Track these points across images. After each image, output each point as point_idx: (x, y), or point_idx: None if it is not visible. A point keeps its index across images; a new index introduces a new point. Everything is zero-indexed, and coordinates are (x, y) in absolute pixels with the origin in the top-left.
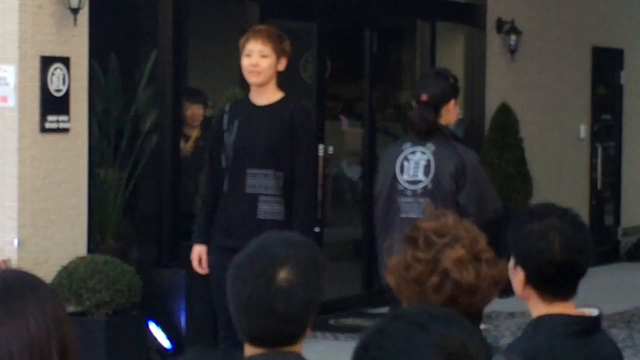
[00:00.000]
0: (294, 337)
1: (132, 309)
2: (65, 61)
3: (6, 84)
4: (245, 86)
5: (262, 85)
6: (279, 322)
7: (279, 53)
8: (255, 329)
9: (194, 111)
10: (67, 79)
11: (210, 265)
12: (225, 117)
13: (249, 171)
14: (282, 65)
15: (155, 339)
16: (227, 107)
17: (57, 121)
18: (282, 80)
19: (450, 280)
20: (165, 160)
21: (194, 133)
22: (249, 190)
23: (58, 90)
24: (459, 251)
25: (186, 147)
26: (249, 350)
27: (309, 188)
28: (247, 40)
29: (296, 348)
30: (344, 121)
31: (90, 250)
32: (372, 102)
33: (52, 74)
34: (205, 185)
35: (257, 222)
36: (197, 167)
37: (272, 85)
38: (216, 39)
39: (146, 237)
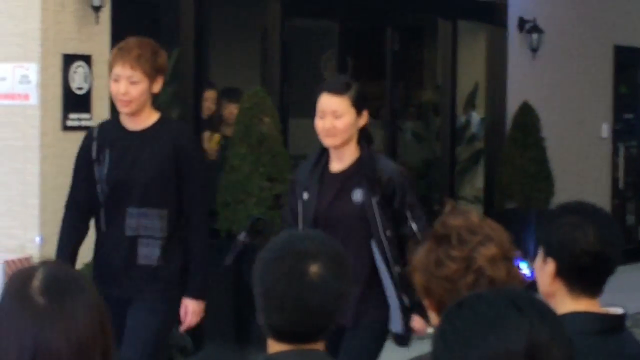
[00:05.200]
0: (324, 331)
1: None
2: (87, 59)
3: (28, 82)
4: (264, 84)
5: (134, 114)
6: (313, 316)
7: (153, 75)
8: (287, 324)
9: (232, 110)
10: (89, 76)
11: None
12: (94, 145)
13: (128, 210)
14: (157, 86)
15: (176, 337)
16: (94, 132)
17: (79, 119)
18: (305, 79)
19: (485, 278)
20: None
21: (228, 131)
22: (128, 232)
23: (80, 88)
24: (492, 249)
25: (211, 144)
26: (275, 346)
27: (204, 226)
28: (115, 60)
29: (320, 345)
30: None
31: None
32: (393, 101)
33: (74, 72)
34: (64, 218)
35: (138, 269)
36: (220, 165)
37: (147, 108)
38: (237, 38)
39: None
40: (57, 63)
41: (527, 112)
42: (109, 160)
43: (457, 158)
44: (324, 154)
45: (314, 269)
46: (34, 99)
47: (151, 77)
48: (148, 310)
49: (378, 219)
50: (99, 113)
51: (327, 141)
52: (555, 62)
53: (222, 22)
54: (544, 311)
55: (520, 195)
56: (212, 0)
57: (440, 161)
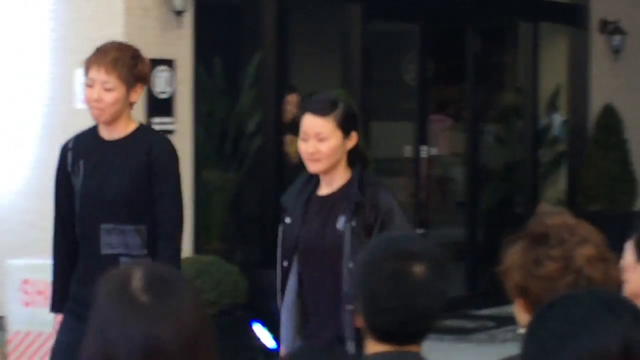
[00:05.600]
0: (425, 332)
1: (236, 309)
2: (170, 64)
3: None
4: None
5: (108, 123)
6: (419, 316)
7: (131, 82)
8: (393, 325)
9: None
10: (172, 81)
11: (60, 327)
12: (70, 155)
13: (103, 226)
14: (136, 95)
15: (260, 340)
16: (70, 142)
17: (162, 123)
18: (384, 82)
19: (583, 278)
20: (268, 161)
21: None
22: (105, 250)
23: (163, 93)
24: (590, 249)
25: (292, 147)
26: (375, 347)
27: (172, 247)
28: (89, 63)
29: (419, 348)
30: (446, 122)
31: (195, 250)
32: (474, 103)
33: (157, 76)
34: (54, 239)
35: None
36: (301, 167)
37: (124, 117)
38: (318, 41)
39: (250, 238)
40: None
41: (610, 113)
42: (83, 171)
43: (540, 160)
44: (314, 176)
45: (418, 269)
46: None
47: (128, 84)
48: None
49: (346, 246)
50: (182, 117)
51: (310, 167)
52: (638, 64)
53: (303, 26)
54: (637, 312)
55: (604, 197)
56: (294, 4)
57: (522, 164)
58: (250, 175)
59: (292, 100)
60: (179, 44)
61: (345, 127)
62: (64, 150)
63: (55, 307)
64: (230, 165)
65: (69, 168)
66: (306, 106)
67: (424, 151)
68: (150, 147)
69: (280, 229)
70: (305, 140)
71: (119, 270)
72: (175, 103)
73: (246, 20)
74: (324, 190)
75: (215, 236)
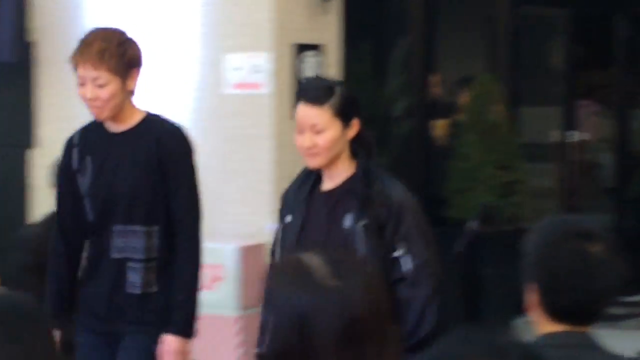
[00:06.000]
0: (601, 313)
1: None
2: (318, 49)
3: (260, 71)
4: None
5: (109, 118)
6: (597, 296)
7: (124, 70)
8: (571, 304)
9: (465, 98)
10: (320, 66)
11: (81, 347)
12: (75, 152)
13: (115, 228)
14: (133, 82)
15: None
16: (75, 137)
17: None
18: (532, 67)
19: None
20: (416, 145)
21: (459, 118)
22: (114, 254)
23: None
24: None
25: (438, 131)
26: (548, 326)
27: (193, 246)
28: (75, 59)
29: (589, 329)
30: (593, 107)
31: None
32: (623, 89)
33: (305, 62)
34: (55, 241)
35: (126, 298)
36: (448, 151)
37: (127, 107)
38: (465, 25)
39: None
40: (288, 52)
41: None
42: (91, 168)
43: None
44: (312, 171)
45: (597, 248)
46: (266, 88)
47: (122, 73)
48: (139, 350)
49: (361, 249)
50: None
51: (309, 162)
52: None
53: (449, 10)
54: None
55: None
56: None
57: None
58: (397, 160)
59: (435, 81)
60: (326, 29)
61: (345, 115)
62: (69, 146)
63: (54, 323)
64: (378, 149)
65: (75, 166)
66: (299, 94)
67: (572, 136)
68: (159, 138)
69: (280, 228)
70: (300, 132)
71: (291, 265)
72: None
73: (393, 4)
74: (326, 185)
75: None
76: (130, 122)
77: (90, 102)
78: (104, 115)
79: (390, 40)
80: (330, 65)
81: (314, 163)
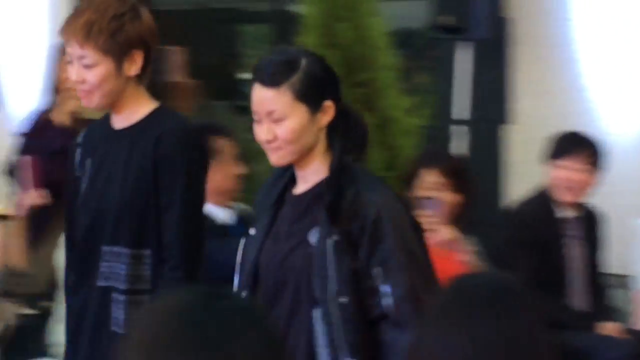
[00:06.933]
0: None
1: None
2: None
3: None
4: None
5: (108, 108)
6: None
7: (118, 50)
8: None
9: None
10: None
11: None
12: (78, 152)
13: (103, 248)
14: (134, 66)
15: None
16: (80, 136)
17: None
18: None
19: None
20: None
21: None
22: (100, 281)
23: None
24: None
25: None
26: None
27: (178, 276)
28: (62, 34)
29: None
30: None
31: None
32: None
33: None
34: (65, 263)
35: (110, 337)
36: None
37: (129, 96)
38: None
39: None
40: None
41: None
42: (88, 175)
43: None
44: (288, 167)
45: None
46: None
47: (115, 53)
48: None
49: (330, 272)
50: None
51: (272, 158)
52: None
53: None
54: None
55: None
56: None
57: None
58: None
59: None
60: None
61: (311, 96)
62: (73, 146)
63: None
64: None
65: (77, 169)
66: (253, 74)
67: None
68: (159, 137)
69: (242, 244)
70: (258, 122)
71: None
72: None
73: None
74: (300, 186)
75: None
76: (135, 116)
77: (76, 85)
78: (94, 102)
79: None
80: None
81: (277, 159)
